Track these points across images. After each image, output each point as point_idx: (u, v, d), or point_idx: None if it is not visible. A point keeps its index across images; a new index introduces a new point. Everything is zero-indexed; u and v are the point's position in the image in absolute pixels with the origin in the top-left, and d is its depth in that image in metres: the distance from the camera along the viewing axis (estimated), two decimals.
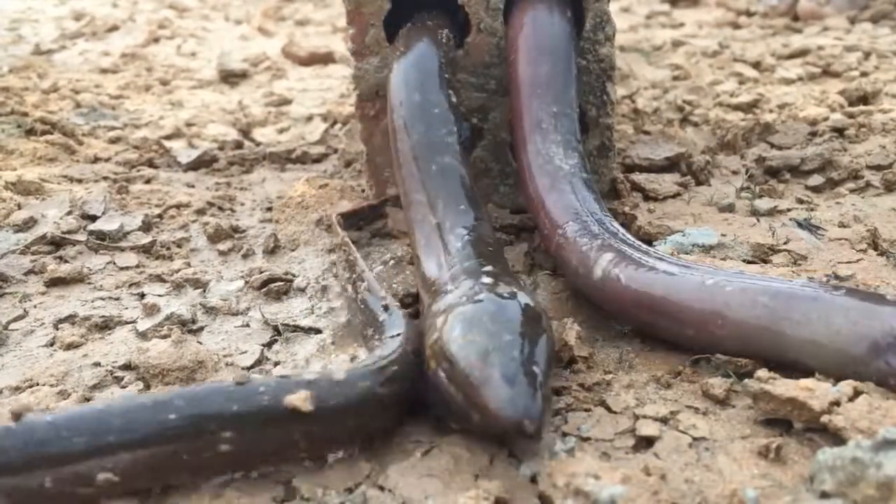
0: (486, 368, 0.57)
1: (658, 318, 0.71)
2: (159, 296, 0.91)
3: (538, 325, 0.64)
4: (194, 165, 1.36)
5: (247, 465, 0.58)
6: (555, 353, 0.65)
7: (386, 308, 0.73)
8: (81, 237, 1.04)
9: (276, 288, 0.90)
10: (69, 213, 1.10)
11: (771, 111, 1.44)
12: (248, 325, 0.85)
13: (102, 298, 0.91)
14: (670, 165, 1.16)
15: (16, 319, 0.87)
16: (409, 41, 0.97)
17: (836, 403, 0.57)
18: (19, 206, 1.13)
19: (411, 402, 0.64)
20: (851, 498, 0.50)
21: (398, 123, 0.89)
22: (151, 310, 0.87)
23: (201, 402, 0.56)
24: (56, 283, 0.94)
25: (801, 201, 1.05)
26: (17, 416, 0.54)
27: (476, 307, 0.64)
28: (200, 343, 0.80)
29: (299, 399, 0.57)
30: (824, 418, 0.57)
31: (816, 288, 0.64)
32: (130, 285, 0.94)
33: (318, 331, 0.83)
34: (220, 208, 1.16)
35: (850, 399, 0.57)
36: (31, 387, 0.74)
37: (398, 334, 0.67)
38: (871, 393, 0.58)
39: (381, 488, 0.57)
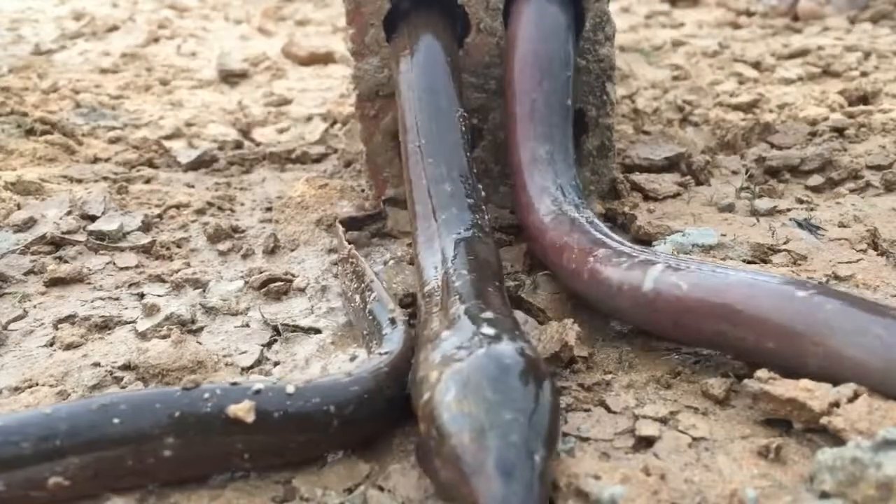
0: (481, 453, 0.49)
1: (729, 327, 0.64)
2: (159, 296, 0.91)
3: (543, 393, 0.55)
4: (194, 165, 1.36)
5: (191, 473, 0.58)
6: (559, 425, 0.57)
7: (392, 322, 0.72)
8: (81, 237, 1.04)
9: (275, 288, 0.90)
10: (69, 213, 1.10)
11: (771, 111, 1.44)
12: (247, 326, 0.85)
13: (102, 298, 0.91)
14: (670, 165, 1.16)
15: (15, 319, 0.87)
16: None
17: (836, 404, 0.57)
18: (19, 207, 1.13)
19: (375, 425, 0.62)
20: (851, 498, 0.50)
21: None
22: (151, 310, 0.87)
23: (144, 408, 0.56)
24: (56, 283, 0.94)
25: (801, 201, 1.05)
26: None
27: (474, 366, 0.55)
28: (200, 343, 0.80)
29: (242, 409, 0.56)
30: (824, 419, 0.57)
31: None
32: (130, 285, 0.94)
33: (318, 331, 0.83)
34: (220, 208, 1.16)
35: (850, 400, 0.57)
36: (30, 387, 0.74)
37: (387, 353, 0.66)
38: (870, 394, 0.57)
39: (381, 489, 0.57)
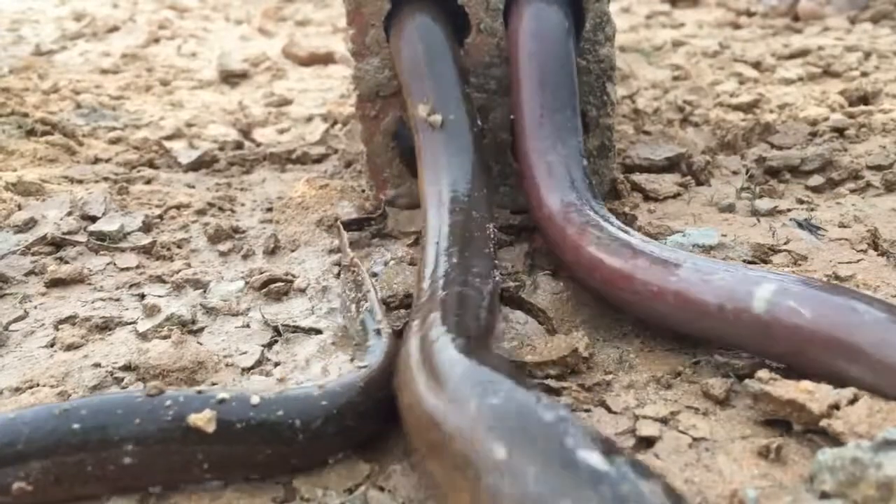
0: None
1: (853, 367, 0.58)
2: (159, 296, 0.91)
3: None
4: (194, 166, 1.36)
5: (152, 481, 0.57)
6: None
7: (378, 332, 0.71)
8: (82, 238, 1.04)
9: (276, 288, 0.90)
10: (69, 213, 1.10)
11: (771, 111, 1.44)
12: (248, 326, 0.85)
13: (103, 299, 0.91)
14: (670, 165, 1.16)
15: (16, 320, 0.87)
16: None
17: (836, 407, 0.57)
18: (20, 207, 1.13)
19: (345, 441, 0.61)
20: (851, 498, 0.49)
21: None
22: (152, 310, 0.87)
23: (104, 413, 0.55)
24: (56, 283, 0.94)
25: (801, 201, 1.05)
26: None
27: None
28: (201, 344, 0.80)
29: (202, 419, 0.55)
30: (823, 422, 0.57)
31: None
32: (131, 286, 0.94)
33: (319, 331, 0.83)
34: (221, 209, 1.16)
35: (850, 402, 0.57)
36: (31, 388, 0.74)
37: (364, 366, 0.65)
38: (871, 397, 0.57)
39: (382, 489, 0.57)
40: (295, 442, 0.57)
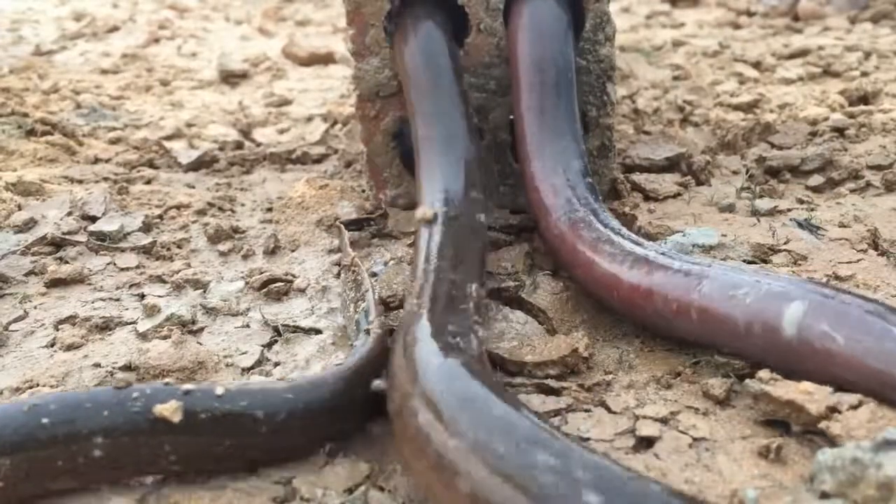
0: None
1: (886, 391, 0.55)
2: (159, 296, 0.91)
3: None
4: (195, 166, 1.36)
5: (123, 474, 0.58)
6: None
7: (367, 332, 0.71)
8: (82, 238, 1.04)
9: (276, 288, 0.90)
10: (69, 213, 1.10)
11: (771, 111, 1.44)
12: (248, 326, 0.85)
13: (103, 299, 0.91)
14: (670, 165, 1.16)
15: (16, 320, 0.87)
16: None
17: (835, 410, 0.57)
18: (20, 207, 1.13)
19: (312, 435, 0.61)
20: (851, 498, 0.49)
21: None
22: (152, 310, 0.87)
23: (73, 407, 0.56)
24: (56, 283, 0.94)
25: (801, 201, 1.05)
26: None
27: None
28: (201, 344, 0.80)
29: (168, 409, 0.56)
30: (822, 424, 0.57)
31: None
32: (131, 286, 0.94)
33: (319, 331, 0.83)
34: (221, 209, 1.16)
35: (853, 408, 0.56)
36: (31, 388, 0.74)
37: (339, 364, 0.65)
38: (876, 404, 0.57)
39: (382, 489, 0.57)
40: (257, 434, 0.58)
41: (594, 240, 0.77)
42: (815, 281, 0.64)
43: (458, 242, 0.78)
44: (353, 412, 0.63)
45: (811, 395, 0.58)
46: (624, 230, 0.79)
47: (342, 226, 1.00)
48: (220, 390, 0.58)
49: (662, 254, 0.72)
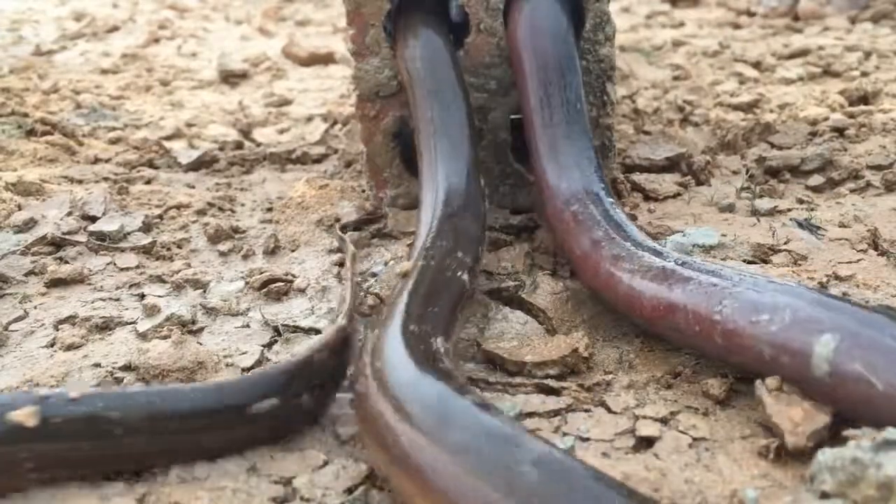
0: None
1: None
2: (159, 296, 0.91)
3: None
4: (195, 166, 1.36)
5: None
6: None
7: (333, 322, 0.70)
8: (82, 238, 1.04)
9: (276, 288, 0.90)
10: (69, 213, 1.10)
11: (771, 111, 1.44)
12: (248, 326, 0.85)
13: (103, 299, 0.91)
14: (670, 165, 1.16)
15: (16, 320, 0.87)
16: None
17: (819, 445, 0.56)
18: (20, 207, 1.13)
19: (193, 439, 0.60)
20: (851, 498, 0.49)
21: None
22: (152, 310, 0.87)
23: None
24: (56, 283, 0.94)
25: (801, 201, 1.05)
26: None
27: None
28: (201, 344, 0.80)
29: (24, 414, 0.54)
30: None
31: None
32: (131, 286, 0.94)
33: (319, 331, 0.82)
34: (221, 209, 1.16)
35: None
36: (31, 388, 0.74)
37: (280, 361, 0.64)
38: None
39: (382, 489, 0.57)
40: (111, 436, 0.56)
41: (616, 256, 0.75)
42: (842, 298, 0.59)
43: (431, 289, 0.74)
44: (245, 417, 0.61)
45: (796, 427, 0.56)
46: (648, 240, 0.77)
47: (341, 233, 1.00)
48: (74, 393, 0.56)
49: (684, 264, 0.68)
